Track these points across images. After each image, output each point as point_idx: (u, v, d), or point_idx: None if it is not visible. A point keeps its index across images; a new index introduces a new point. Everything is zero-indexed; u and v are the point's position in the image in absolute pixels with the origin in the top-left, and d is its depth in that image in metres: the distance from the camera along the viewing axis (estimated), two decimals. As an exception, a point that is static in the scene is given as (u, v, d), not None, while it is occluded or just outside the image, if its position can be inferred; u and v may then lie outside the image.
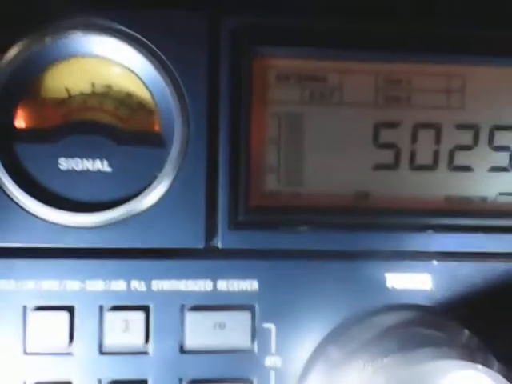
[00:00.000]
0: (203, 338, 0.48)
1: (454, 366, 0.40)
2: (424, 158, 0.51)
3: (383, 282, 0.50)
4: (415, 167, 0.51)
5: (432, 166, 0.51)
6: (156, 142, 0.48)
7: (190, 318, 0.48)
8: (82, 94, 0.49)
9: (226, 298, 0.48)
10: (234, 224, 0.48)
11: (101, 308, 0.47)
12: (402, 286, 0.50)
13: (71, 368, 0.47)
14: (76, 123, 0.48)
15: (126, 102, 0.49)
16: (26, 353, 0.46)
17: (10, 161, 0.46)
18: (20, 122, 0.48)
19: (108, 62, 0.49)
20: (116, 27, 0.47)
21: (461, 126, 0.52)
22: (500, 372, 0.40)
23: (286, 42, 0.50)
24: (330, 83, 0.51)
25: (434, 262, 0.50)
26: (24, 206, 0.46)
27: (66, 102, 0.49)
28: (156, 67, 0.47)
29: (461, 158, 0.52)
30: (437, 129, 0.51)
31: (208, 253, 0.49)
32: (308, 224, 0.49)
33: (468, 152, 0.52)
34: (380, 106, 0.51)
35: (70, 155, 0.47)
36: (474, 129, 0.52)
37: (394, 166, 0.51)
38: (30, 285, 0.47)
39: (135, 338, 0.47)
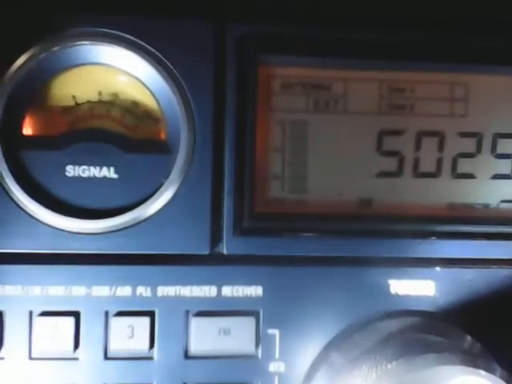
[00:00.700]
0: (208, 344, 0.48)
1: (457, 372, 0.40)
2: (427, 165, 0.52)
3: (387, 288, 0.50)
4: (419, 174, 0.52)
5: (435, 174, 0.52)
6: (162, 149, 0.49)
7: (195, 323, 0.48)
8: (88, 101, 0.49)
9: (230, 304, 0.49)
10: (239, 230, 0.49)
11: (106, 313, 0.47)
12: (405, 293, 0.50)
13: (76, 373, 0.47)
14: (83, 131, 0.49)
15: (133, 110, 0.50)
16: (31, 358, 0.47)
17: (17, 168, 0.47)
18: (27, 129, 0.49)
19: (115, 71, 0.49)
20: (123, 36, 0.48)
21: (464, 134, 0.52)
22: (503, 378, 0.40)
23: (291, 50, 0.50)
24: (335, 91, 0.51)
25: (437, 269, 0.50)
26: (31, 213, 0.47)
27: (73, 109, 0.49)
28: (162, 76, 0.48)
29: (464, 166, 0.52)
30: (440, 136, 0.52)
31: (213, 259, 0.49)
32: (312, 231, 0.50)
33: (471, 159, 0.52)
34: (384, 113, 0.52)
35: (76, 162, 0.48)
36: (477, 137, 0.52)
37: (397, 173, 0.52)
38: (37, 290, 0.47)
39: (140, 344, 0.47)
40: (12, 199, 0.47)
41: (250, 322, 0.48)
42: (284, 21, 0.50)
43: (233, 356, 0.48)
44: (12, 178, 0.46)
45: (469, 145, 0.52)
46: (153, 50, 0.48)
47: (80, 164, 0.48)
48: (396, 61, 0.51)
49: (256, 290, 0.49)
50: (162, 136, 0.49)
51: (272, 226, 0.50)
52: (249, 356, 0.48)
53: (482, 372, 0.40)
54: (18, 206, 0.47)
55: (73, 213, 0.47)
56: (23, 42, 0.47)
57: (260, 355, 0.49)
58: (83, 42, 0.47)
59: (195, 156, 0.48)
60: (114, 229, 0.47)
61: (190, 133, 0.48)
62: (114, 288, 0.48)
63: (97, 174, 0.48)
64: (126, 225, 0.47)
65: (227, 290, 0.49)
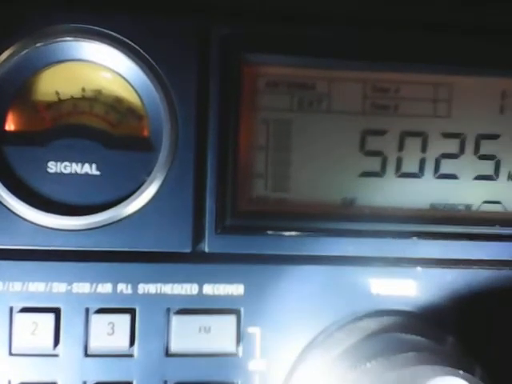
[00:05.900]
0: (188, 342, 0.48)
1: (437, 372, 0.40)
2: (410, 165, 0.52)
3: (368, 287, 0.50)
4: (401, 175, 0.52)
5: (418, 174, 0.52)
6: (145, 146, 0.49)
7: (176, 321, 0.48)
8: (72, 98, 0.49)
9: (211, 302, 0.48)
10: (221, 228, 0.49)
11: (87, 310, 0.47)
12: (386, 292, 0.50)
13: (56, 369, 0.47)
14: (66, 127, 0.49)
15: (116, 107, 0.50)
16: (11, 354, 0.47)
17: (-2, 163, 0.47)
18: (10, 124, 0.48)
19: (98, 67, 0.49)
20: (107, 33, 0.48)
21: (447, 135, 0.52)
22: (482, 378, 0.41)
23: (276, 49, 0.50)
24: (319, 91, 0.51)
25: (419, 269, 0.50)
26: (12, 209, 0.47)
27: (57, 105, 0.49)
28: (146, 73, 0.48)
29: (447, 166, 0.52)
30: (423, 137, 0.52)
31: (195, 257, 0.49)
32: (294, 229, 0.50)
33: (454, 160, 0.52)
34: (367, 113, 0.52)
35: (58, 158, 0.48)
36: (460, 137, 0.52)
37: (380, 173, 0.52)
38: (17, 286, 0.47)
39: (121, 341, 0.47)
40: (-7, 195, 0.47)
41: (231, 320, 0.48)
42: (269, 20, 0.50)
43: (213, 354, 0.48)
44: (-7, 174, 0.46)
45: (452, 145, 0.52)
46: (136, 47, 0.48)
47: (62, 160, 0.47)
48: (380, 61, 0.51)
49: (237, 289, 0.49)
50: (145, 133, 0.49)
51: (254, 224, 0.50)
52: (229, 354, 0.48)
53: (462, 372, 0.40)
54: (-1, 201, 0.47)
55: (54, 209, 0.47)
56: (6, 38, 0.47)
57: (241, 354, 0.49)
58: (66, 39, 0.47)
59: (178, 154, 0.48)
60: (96, 225, 0.47)
61: (172, 130, 0.48)
62: (94, 285, 0.48)
63: (79, 171, 0.48)
64: (108, 222, 0.47)
65: (208, 288, 0.49)
